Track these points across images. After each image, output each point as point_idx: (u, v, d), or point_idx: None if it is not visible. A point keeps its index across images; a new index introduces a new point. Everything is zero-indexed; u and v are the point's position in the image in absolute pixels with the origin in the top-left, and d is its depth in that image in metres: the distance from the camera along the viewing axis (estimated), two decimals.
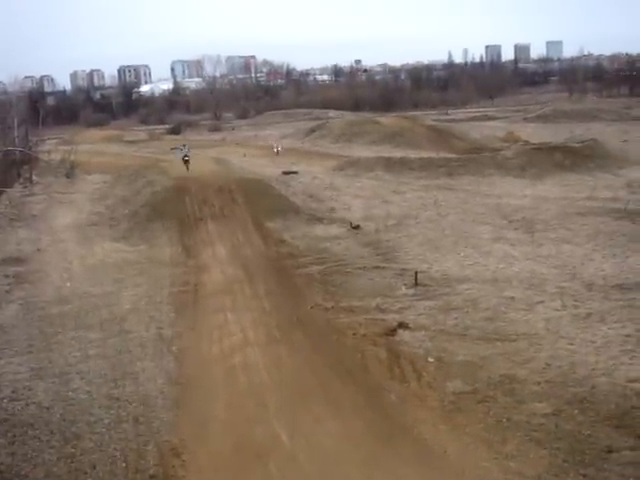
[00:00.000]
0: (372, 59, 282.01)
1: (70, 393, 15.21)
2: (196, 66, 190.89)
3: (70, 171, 49.01)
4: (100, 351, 17.59)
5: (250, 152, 62.26)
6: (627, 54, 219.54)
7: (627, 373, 14.56)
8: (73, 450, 12.98)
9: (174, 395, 15.07)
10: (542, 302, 19.95)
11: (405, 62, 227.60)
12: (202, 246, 28.66)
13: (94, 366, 16.62)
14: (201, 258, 26.89)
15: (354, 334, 17.77)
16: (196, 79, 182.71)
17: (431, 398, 14.34)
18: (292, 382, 15.32)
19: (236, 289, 22.55)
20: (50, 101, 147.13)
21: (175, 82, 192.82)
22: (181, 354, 17.30)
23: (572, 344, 16.48)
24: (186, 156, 43.29)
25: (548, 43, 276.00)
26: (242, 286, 22.84)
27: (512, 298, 20.44)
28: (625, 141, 61.62)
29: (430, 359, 15.97)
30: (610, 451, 11.92)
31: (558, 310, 19.20)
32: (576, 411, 13.24)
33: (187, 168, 42.10)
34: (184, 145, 46.89)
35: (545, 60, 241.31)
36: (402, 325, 18.08)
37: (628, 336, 16.72)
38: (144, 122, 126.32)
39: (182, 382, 15.68)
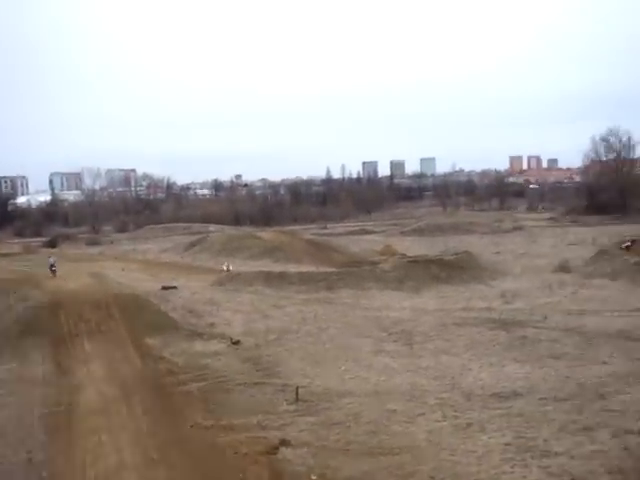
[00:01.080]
0: (252, 174, 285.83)
1: None
2: (75, 178, 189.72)
3: None
4: None
5: (129, 266, 61.42)
6: (496, 170, 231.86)
7: None
8: None
9: None
10: (423, 414, 20.15)
11: (285, 177, 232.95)
12: (77, 364, 27.70)
13: None
14: (76, 377, 25.93)
15: (235, 453, 17.40)
16: (75, 191, 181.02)
17: None
18: None
19: (112, 409, 21.80)
20: None
21: (53, 194, 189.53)
22: None
23: (454, 455, 16.61)
24: (53, 266, 49.10)
25: (422, 160, 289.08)
26: (119, 406, 22.11)
27: (394, 411, 20.56)
28: (497, 253, 64.42)
29: (313, 476, 15.74)
30: None
31: (439, 421, 19.42)
32: None
33: (54, 275, 48.01)
34: (49, 256, 55.31)
35: (419, 176, 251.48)
36: (284, 442, 17.84)
37: (508, 444, 17.01)
38: (19, 234, 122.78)
39: None
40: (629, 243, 49.37)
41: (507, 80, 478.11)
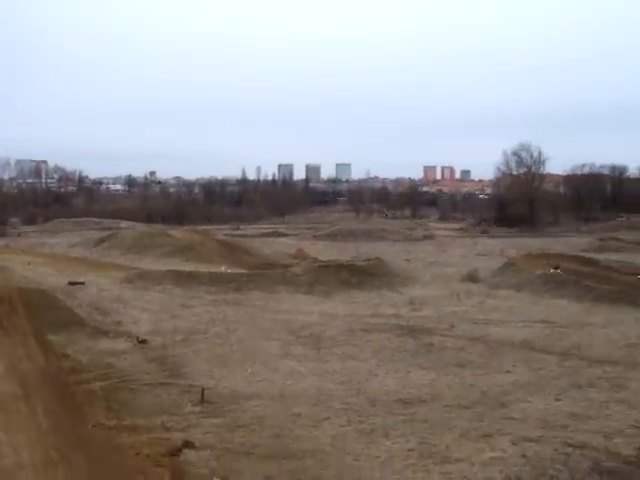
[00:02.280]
0: (166, 172, 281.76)
1: None
2: None
3: None
4: None
5: (36, 260, 59.95)
6: (410, 179, 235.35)
7: None
8: None
9: None
10: (328, 418, 20.20)
11: (199, 176, 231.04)
12: None
13: None
14: None
15: (137, 454, 17.07)
16: None
17: None
18: None
19: (11, 407, 21.11)
20: None
21: None
22: None
23: (358, 460, 16.69)
24: None
25: (338, 165, 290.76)
26: (18, 404, 21.43)
27: (299, 414, 20.56)
28: (408, 260, 65.34)
29: (216, 479, 15.64)
30: None
31: (344, 426, 19.49)
32: None
33: None
34: None
35: (334, 181, 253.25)
36: (187, 444, 17.63)
37: (411, 450, 17.20)
38: None
39: None
40: (556, 268, 50.60)
41: (425, 90, 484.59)
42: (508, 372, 26.09)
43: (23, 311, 33.32)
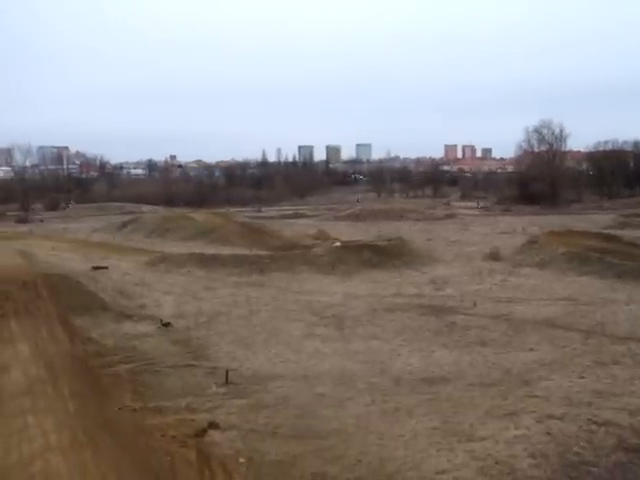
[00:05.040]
0: (187, 155, 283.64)
1: None
2: (5, 155, 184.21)
3: None
4: None
5: (59, 246, 60.32)
6: (431, 158, 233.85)
7: (435, 466, 14.88)
8: None
9: None
10: (352, 398, 20.27)
11: (220, 159, 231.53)
12: (2, 344, 27.07)
13: None
14: (1, 357, 25.38)
15: (163, 436, 17.24)
16: (4, 168, 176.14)
17: None
18: None
19: (38, 390, 21.38)
20: None
21: None
22: None
23: (382, 439, 16.72)
24: None
25: (358, 145, 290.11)
26: (45, 387, 21.69)
27: (323, 395, 20.66)
28: (429, 240, 65.05)
29: (241, 459, 15.71)
30: None
31: (367, 405, 19.55)
32: None
33: None
34: None
35: (355, 161, 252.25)
36: (212, 425, 17.77)
37: (435, 429, 17.19)
38: None
39: None
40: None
41: (445, 69, 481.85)
42: (531, 350, 26.04)
43: (48, 296, 33.63)
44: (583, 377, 21.88)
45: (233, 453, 16.11)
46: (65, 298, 33.30)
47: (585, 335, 28.03)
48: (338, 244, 54.41)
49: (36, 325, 29.66)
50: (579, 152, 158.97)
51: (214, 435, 17.25)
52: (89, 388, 21.76)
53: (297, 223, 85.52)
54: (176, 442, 16.83)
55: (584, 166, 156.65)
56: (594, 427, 16.75)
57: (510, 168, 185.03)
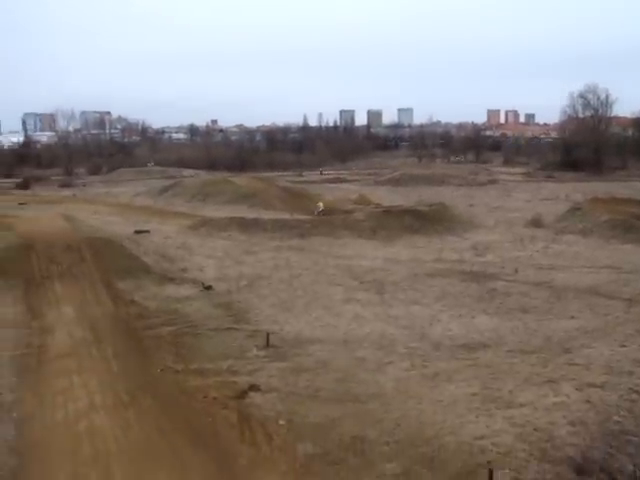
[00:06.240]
0: (228, 120, 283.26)
1: None
2: (49, 120, 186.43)
3: None
4: None
5: (102, 209, 60.98)
6: (473, 123, 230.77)
7: (473, 431, 14.93)
8: None
9: (12, 467, 14.19)
10: (392, 362, 20.38)
11: (261, 124, 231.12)
12: (48, 306, 27.61)
13: None
14: (46, 319, 25.86)
15: (204, 397, 17.51)
16: (48, 133, 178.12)
17: (282, 461, 14.18)
18: (140, 448, 14.80)
19: (83, 351, 21.80)
20: None
21: (26, 135, 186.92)
22: (22, 421, 16.43)
23: (421, 403, 16.80)
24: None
25: (399, 110, 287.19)
26: (89, 348, 22.11)
27: (362, 359, 20.78)
28: (471, 205, 64.61)
29: (281, 422, 15.90)
30: None
31: (407, 370, 19.64)
32: (425, 470, 13.42)
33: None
34: None
35: (396, 126, 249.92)
36: (253, 387, 17.99)
37: (474, 394, 17.23)
38: None
39: (22, 452, 14.86)
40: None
41: (488, 33, 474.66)
42: (573, 318, 25.86)
43: (91, 259, 34.11)
44: (624, 346, 21.64)
45: (273, 415, 16.30)
46: (108, 261, 33.74)
47: (627, 303, 27.72)
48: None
49: (80, 288, 30.14)
50: (625, 118, 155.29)
51: (255, 397, 17.46)
52: (132, 350, 22.12)
53: (338, 188, 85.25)
54: (217, 404, 17.07)
55: (630, 132, 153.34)
56: (635, 396, 16.63)
57: (554, 134, 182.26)
